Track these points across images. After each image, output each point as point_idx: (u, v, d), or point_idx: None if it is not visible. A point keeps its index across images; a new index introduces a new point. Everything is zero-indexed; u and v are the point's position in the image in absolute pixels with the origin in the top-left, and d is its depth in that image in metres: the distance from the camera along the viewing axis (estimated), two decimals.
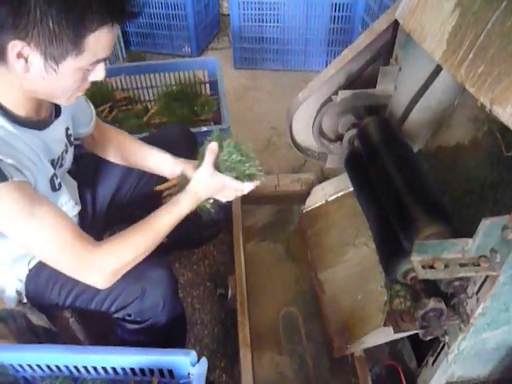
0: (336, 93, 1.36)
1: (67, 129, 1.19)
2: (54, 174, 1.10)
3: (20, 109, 0.97)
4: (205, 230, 1.91)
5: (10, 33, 0.81)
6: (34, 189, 0.98)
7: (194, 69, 2.29)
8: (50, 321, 1.25)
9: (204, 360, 0.95)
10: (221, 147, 1.16)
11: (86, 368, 1.01)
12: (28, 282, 1.18)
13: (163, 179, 1.43)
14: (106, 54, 0.92)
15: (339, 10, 2.95)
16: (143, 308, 1.12)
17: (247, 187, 1.19)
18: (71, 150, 1.23)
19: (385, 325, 1.17)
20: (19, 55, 0.84)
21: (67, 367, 1.02)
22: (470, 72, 0.88)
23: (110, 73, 2.21)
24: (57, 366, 1.02)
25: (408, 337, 1.29)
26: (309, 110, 1.45)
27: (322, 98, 1.41)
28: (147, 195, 1.47)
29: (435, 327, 0.99)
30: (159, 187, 1.41)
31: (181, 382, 0.99)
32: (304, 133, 1.54)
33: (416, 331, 1.05)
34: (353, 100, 1.36)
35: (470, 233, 0.85)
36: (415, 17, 1.09)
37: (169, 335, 1.20)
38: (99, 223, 1.45)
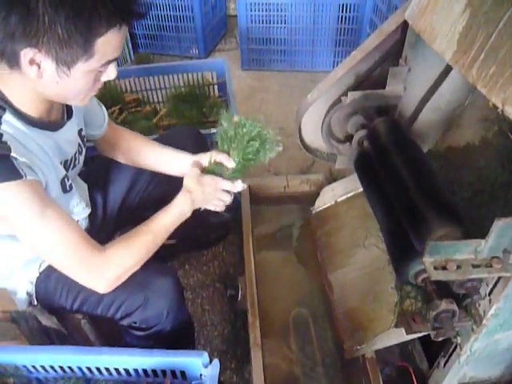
0: (345, 94, 1.36)
1: (80, 130, 1.20)
2: (66, 176, 1.11)
3: (32, 110, 0.99)
4: (213, 231, 1.92)
5: (22, 41, 0.83)
6: (44, 190, 0.99)
7: (202, 70, 2.30)
8: (61, 322, 1.26)
9: (216, 361, 0.96)
10: (231, 125, 1.17)
11: (98, 369, 1.02)
12: (38, 284, 1.19)
13: (173, 181, 1.44)
14: (115, 55, 0.94)
15: (346, 11, 2.95)
16: (147, 316, 1.12)
17: (239, 186, 1.20)
18: (84, 150, 1.24)
19: (396, 326, 1.17)
20: (32, 62, 0.86)
21: (80, 368, 1.03)
22: (481, 73, 0.88)
23: (119, 75, 2.20)
24: (70, 367, 1.03)
25: (419, 338, 1.28)
26: (318, 111, 1.45)
27: (332, 99, 1.41)
28: (158, 197, 1.47)
29: (447, 328, 0.98)
30: None
31: (193, 383, 0.99)
32: (313, 134, 1.54)
33: (428, 332, 1.04)
34: (362, 101, 1.35)
35: (481, 233, 0.85)
36: (425, 17, 1.09)
37: (176, 341, 1.19)
38: (110, 225, 1.46)
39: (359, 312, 1.36)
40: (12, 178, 0.89)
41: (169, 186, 1.45)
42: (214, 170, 1.20)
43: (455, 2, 0.97)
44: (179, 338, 1.22)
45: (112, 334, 1.37)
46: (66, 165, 1.13)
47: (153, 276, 1.14)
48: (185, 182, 1.18)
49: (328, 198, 1.72)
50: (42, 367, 1.03)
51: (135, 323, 1.14)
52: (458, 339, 1.07)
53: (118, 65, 3.01)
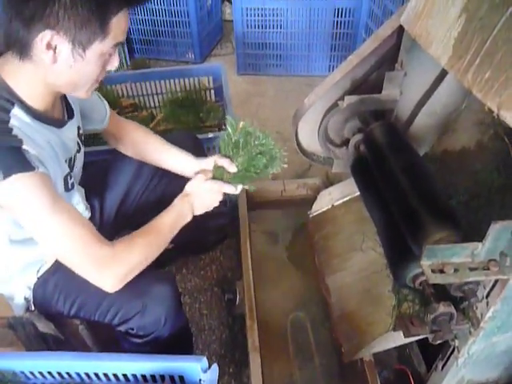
0: (342, 98, 1.37)
1: (78, 128, 1.21)
2: (69, 174, 1.12)
3: (39, 104, 1.00)
4: (211, 235, 1.92)
5: (41, 24, 0.85)
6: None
7: (198, 75, 2.30)
8: (58, 328, 1.26)
9: (215, 366, 0.96)
10: (235, 131, 1.18)
11: (97, 375, 1.02)
12: (36, 289, 1.18)
13: (170, 185, 1.45)
14: (122, 38, 0.97)
15: (342, 16, 2.97)
16: (145, 323, 1.12)
17: (239, 189, 1.22)
18: (83, 149, 1.25)
19: (394, 329, 1.17)
20: (48, 46, 0.88)
21: (78, 374, 1.02)
22: (476, 77, 0.88)
23: (115, 80, 2.24)
24: (68, 373, 1.03)
25: (416, 341, 1.29)
26: (314, 115, 1.45)
27: (328, 104, 1.42)
28: (155, 202, 1.48)
29: (445, 331, 0.99)
30: None
31: None
32: (310, 138, 1.55)
33: (426, 335, 1.05)
34: (359, 105, 1.36)
35: (478, 236, 0.86)
36: (421, 22, 1.09)
37: (174, 347, 1.19)
38: (106, 231, 1.46)
39: (357, 315, 1.36)
40: (24, 170, 0.90)
41: (165, 191, 1.45)
42: (216, 175, 1.21)
43: (451, 7, 0.98)
44: (177, 344, 1.22)
45: (110, 340, 1.36)
46: (70, 163, 1.14)
47: (151, 283, 1.14)
48: (186, 187, 1.20)
49: (325, 201, 1.73)
50: (40, 373, 1.03)
51: (132, 330, 1.14)
52: (456, 342, 1.07)
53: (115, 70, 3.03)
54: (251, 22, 3.09)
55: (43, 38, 0.87)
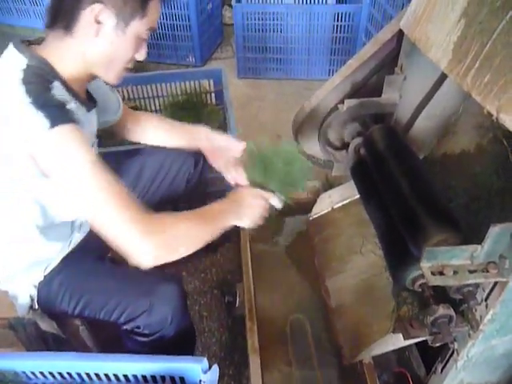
0: (342, 101, 1.38)
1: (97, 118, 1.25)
2: None
3: (75, 84, 1.05)
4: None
5: None
6: None
7: (199, 78, 2.31)
8: (60, 328, 1.26)
9: (215, 367, 0.96)
10: (256, 156, 1.20)
11: (97, 375, 1.02)
12: (41, 288, 1.19)
13: (173, 185, 1.46)
14: (155, 25, 1.06)
15: (342, 20, 2.99)
16: (151, 322, 1.12)
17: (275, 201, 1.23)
18: (96, 142, 1.27)
19: (394, 332, 1.17)
20: (95, 19, 0.96)
21: (79, 374, 1.02)
22: (476, 81, 0.89)
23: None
24: (69, 374, 1.02)
25: (416, 344, 1.29)
26: (315, 118, 1.46)
27: (328, 107, 1.43)
28: (155, 204, 1.48)
29: (445, 334, 0.99)
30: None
31: None
32: (310, 141, 1.55)
33: (425, 338, 1.05)
34: (359, 109, 1.37)
35: (477, 239, 0.86)
36: (420, 27, 1.10)
37: (178, 347, 1.20)
38: None
39: (357, 318, 1.37)
40: (70, 122, 0.93)
41: (168, 191, 1.46)
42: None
43: (450, 11, 0.99)
44: (181, 344, 1.22)
45: (110, 341, 1.37)
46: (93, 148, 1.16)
47: (158, 282, 1.15)
48: (231, 194, 1.20)
49: (325, 204, 1.73)
50: (41, 373, 1.03)
51: (138, 328, 1.14)
52: (455, 344, 1.08)
53: None
54: (251, 25, 3.11)
55: (92, 10, 0.95)
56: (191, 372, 0.97)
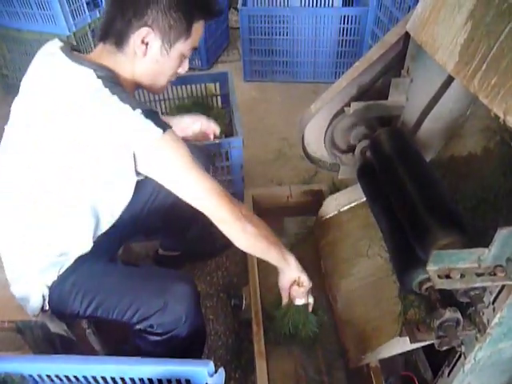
0: (348, 104, 1.37)
1: None
2: None
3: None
4: (217, 241, 1.92)
5: (141, 22, 1.04)
6: None
7: (206, 82, 2.32)
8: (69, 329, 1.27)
9: (222, 371, 0.96)
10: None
11: (104, 379, 1.02)
12: (53, 288, 1.19)
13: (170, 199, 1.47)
14: (197, 44, 1.17)
15: (348, 23, 2.99)
16: (165, 321, 1.13)
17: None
18: None
19: (401, 335, 1.17)
20: (143, 41, 1.06)
21: (86, 378, 1.02)
22: (483, 83, 0.89)
23: None
24: (75, 377, 1.03)
25: (423, 347, 1.28)
26: (321, 121, 1.46)
27: (334, 110, 1.43)
28: (164, 210, 1.49)
29: (452, 337, 0.99)
30: None
31: None
32: (316, 144, 1.55)
33: (432, 341, 1.05)
34: (365, 111, 1.37)
35: (484, 242, 0.86)
36: (427, 29, 1.10)
37: (189, 347, 1.20)
38: (116, 238, 1.45)
39: (363, 321, 1.36)
40: (170, 127, 1.07)
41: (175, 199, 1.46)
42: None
43: (457, 13, 0.99)
44: (192, 343, 1.23)
45: (116, 344, 1.37)
46: None
47: (172, 281, 1.17)
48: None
49: (331, 207, 1.73)
50: (48, 377, 1.03)
51: (152, 327, 1.15)
52: (462, 348, 1.07)
53: None
54: (257, 29, 3.12)
55: (140, 33, 1.05)
56: (197, 375, 0.97)
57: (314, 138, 1.53)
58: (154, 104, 2.37)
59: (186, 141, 1.49)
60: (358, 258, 1.52)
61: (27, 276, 1.18)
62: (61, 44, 1.12)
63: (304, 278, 1.33)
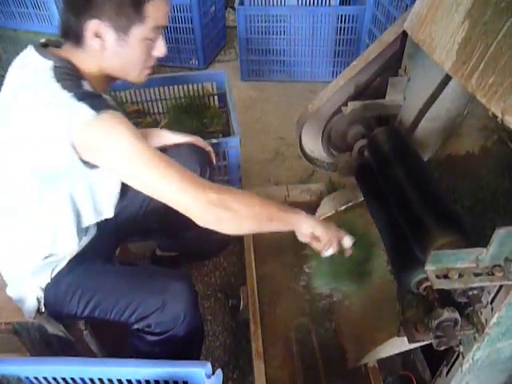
0: (345, 103, 1.37)
1: None
2: None
3: (97, 85, 1.09)
4: (214, 242, 1.92)
5: (88, 14, 0.98)
6: None
7: (202, 81, 2.31)
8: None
9: (219, 372, 0.95)
10: None
11: (101, 380, 1.02)
12: (48, 290, 1.19)
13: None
14: (163, 22, 1.07)
15: (345, 22, 2.98)
16: (163, 319, 1.13)
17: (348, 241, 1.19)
18: None
19: (399, 335, 1.16)
20: (96, 34, 1.00)
21: (83, 379, 1.02)
22: (480, 82, 0.88)
23: (120, 86, 2.25)
24: (72, 379, 1.02)
25: (421, 347, 1.28)
26: (318, 120, 1.46)
27: (332, 109, 1.42)
28: (162, 210, 1.48)
29: (450, 337, 0.98)
30: None
31: None
32: (313, 143, 1.55)
33: (430, 341, 1.04)
34: (362, 111, 1.37)
35: (482, 241, 0.85)
36: (424, 28, 1.10)
37: (185, 348, 1.20)
38: (113, 238, 1.45)
39: (361, 321, 1.36)
40: (112, 109, 0.98)
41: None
42: None
43: (454, 12, 0.98)
44: (190, 343, 1.23)
45: (113, 345, 1.37)
46: None
47: (170, 280, 1.16)
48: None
49: (328, 207, 1.72)
50: (45, 379, 1.03)
51: (150, 327, 1.14)
52: (461, 348, 1.07)
53: None
54: (255, 28, 3.11)
55: (90, 27, 0.99)
56: (195, 377, 0.96)
57: (312, 138, 1.53)
58: (150, 104, 2.36)
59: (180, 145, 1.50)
60: None
61: (21, 278, 1.18)
62: (41, 42, 1.10)
63: (318, 231, 1.13)
